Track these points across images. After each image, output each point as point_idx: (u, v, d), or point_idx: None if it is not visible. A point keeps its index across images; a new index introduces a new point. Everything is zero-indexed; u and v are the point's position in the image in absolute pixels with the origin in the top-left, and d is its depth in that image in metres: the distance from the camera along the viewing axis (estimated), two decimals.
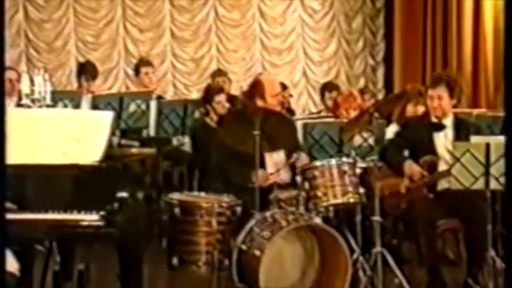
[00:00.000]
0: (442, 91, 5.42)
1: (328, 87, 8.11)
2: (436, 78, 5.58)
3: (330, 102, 7.81)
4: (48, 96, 6.05)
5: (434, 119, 5.51)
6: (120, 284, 4.25)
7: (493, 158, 4.89)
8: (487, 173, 4.90)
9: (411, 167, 5.38)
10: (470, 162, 4.91)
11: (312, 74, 10.85)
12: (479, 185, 4.92)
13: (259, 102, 5.41)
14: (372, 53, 11.00)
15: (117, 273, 4.26)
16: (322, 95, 8.13)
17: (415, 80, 8.60)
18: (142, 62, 7.99)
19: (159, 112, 6.90)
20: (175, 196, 4.95)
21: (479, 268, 5.23)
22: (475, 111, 7.12)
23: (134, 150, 6.56)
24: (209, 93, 6.89)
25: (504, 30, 2.33)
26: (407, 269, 5.35)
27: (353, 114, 6.01)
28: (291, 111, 8.59)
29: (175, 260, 4.74)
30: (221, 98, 6.78)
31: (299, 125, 5.88)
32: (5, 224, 2.09)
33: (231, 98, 7.66)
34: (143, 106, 6.78)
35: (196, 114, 7.01)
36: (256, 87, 5.53)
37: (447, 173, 5.05)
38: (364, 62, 11.01)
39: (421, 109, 6.32)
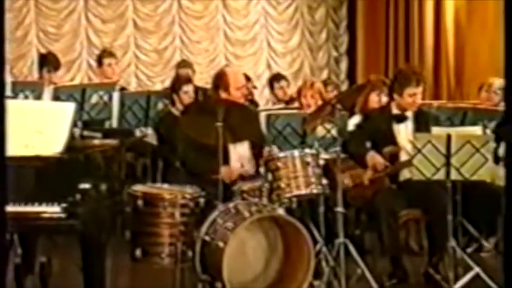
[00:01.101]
0: (421, 88, 5.49)
1: (275, 78, 8.23)
2: (418, 75, 5.60)
3: (279, 93, 7.92)
4: (9, 88, 5.98)
5: (396, 110, 5.56)
6: (83, 276, 4.22)
7: (453, 149, 4.95)
8: (447, 164, 4.96)
9: (374, 158, 5.42)
10: (432, 153, 4.97)
11: (276, 65, 10.87)
12: (440, 175, 4.98)
13: (223, 94, 5.42)
14: (335, 44, 11.04)
15: (80, 266, 4.24)
16: (271, 87, 8.20)
17: (377, 72, 8.67)
18: (105, 53, 7.93)
19: (122, 103, 6.86)
20: (138, 188, 4.93)
21: (440, 258, 5.29)
22: (436, 102, 7.19)
23: (96, 142, 6.53)
24: (177, 83, 6.87)
25: (504, 30, 2.35)
26: (369, 259, 5.40)
27: (315, 102, 6.03)
28: (255, 103, 8.60)
29: (138, 252, 4.72)
30: (189, 88, 6.76)
31: (262, 116, 5.89)
32: (5, 221, 2.06)
33: (195, 89, 7.65)
34: (106, 97, 6.74)
35: (160, 106, 6.98)
36: (220, 79, 5.54)
37: (409, 163, 5.11)
38: (328, 53, 11.05)
39: (384, 99, 6.38)
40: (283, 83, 8.15)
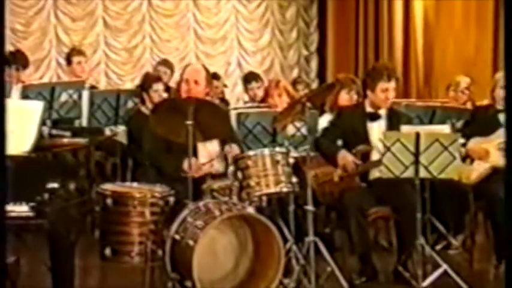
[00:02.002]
0: (394, 84, 5.51)
1: (251, 76, 8.20)
2: (390, 70, 5.62)
3: (251, 93, 7.91)
4: None
5: (369, 109, 5.58)
6: (51, 276, 4.20)
7: (422, 147, 4.99)
8: (416, 162, 5.00)
9: (345, 157, 5.44)
10: (401, 151, 5.00)
11: (246, 64, 10.87)
12: (409, 173, 5.02)
13: (183, 86, 5.42)
14: (305, 43, 11.07)
15: (48, 265, 4.21)
16: (246, 86, 8.20)
17: (348, 70, 8.70)
18: (75, 51, 7.88)
19: (92, 102, 6.83)
20: (108, 187, 4.90)
21: (409, 255, 5.33)
22: (405, 101, 7.24)
23: (65, 141, 6.49)
24: (147, 81, 6.85)
25: (504, 30, 2.36)
26: (339, 257, 5.42)
27: (285, 102, 6.04)
28: (225, 101, 8.60)
29: (107, 251, 4.69)
30: (159, 86, 6.75)
31: (232, 115, 5.89)
32: (4, 222, 2.04)
33: (166, 88, 7.64)
34: (75, 96, 6.71)
35: (130, 104, 6.96)
36: (181, 76, 5.55)
37: (380, 162, 5.13)
38: (298, 52, 11.07)
39: (354, 97, 6.40)
40: (254, 84, 8.10)
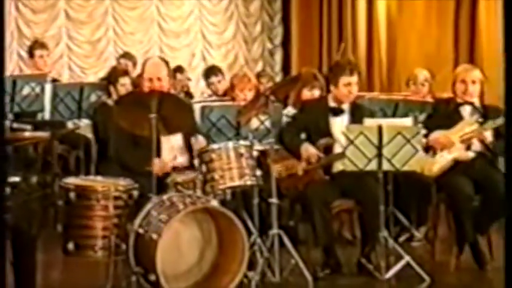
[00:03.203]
0: (357, 78, 5.54)
1: (210, 71, 8.17)
2: (352, 64, 5.65)
3: (214, 86, 7.88)
4: None
5: (333, 103, 5.61)
6: (13, 270, 4.16)
7: (385, 140, 5.02)
8: (379, 155, 5.03)
9: (308, 150, 5.46)
10: (364, 144, 5.03)
11: (210, 57, 10.85)
12: (372, 166, 5.06)
13: (142, 83, 5.40)
14: (269, 36, 11.08)
15: (10, 260, 4.17)
16: (206, 81, 8.16)
17: (312, 64, 8.74)
18: (37, 44, 7.80)
19: (55, 95, 6.78)
20: (71, 180, 4.87)
21: (372, 247, 5.38)
22: (368, 94, 7.29)
23: (27, 134, 6.43)
24: (113, 75, 6.82)
25: (504, 30, 2.37)
26: (303, 250, 5.44)
27: (249, 95, 6.04)
28: (190, 95, 8.58)
29: (70, 245, 4.67)
30: (126, 80, 6.72)
31: (197, 108, 5.88)
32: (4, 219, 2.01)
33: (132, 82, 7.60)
34: (37, 89, 6.64)
35: (93, 98, 6.91)
36: (142, 69, 5.53)
37: (343, 155, 5.16)
38: (262, 45, 11.08)
39: (316, 93, 6.43)
40: (214, 78, 8.05)
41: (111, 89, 6.66)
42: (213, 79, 8.00)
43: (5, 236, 1.99)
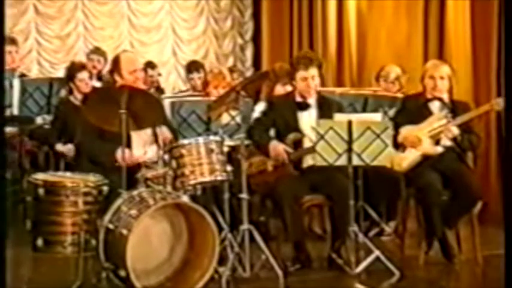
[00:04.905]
0: (314, 71, 5.55)
1: (193, 66, 8.12)
2: (307, 59, 5.66)
3: (194, 82, 7.83)
4: None
5: (299, 98, 5.63)
6: None
7: (355, 135, 5.05)
8: (349, 150, 5.06)
9: (276, 148, 5.48)
10: (334, 139, 5.06)
11: (181, 52, 10.80)
12: (342, 161, 5.08)
13: (118, 79, 5.38)
14: (240, 31, 11.06)
15: None
16: (188, 74, 8.13)
17: (282, 59, 8.71)
18: (6, 40, 7.71)
19: (23, 90, 6.73)
20: (39, 176, 4.84)
21: (342, 242, 5.41)
22: (339, 89, 7.31)
23: None
24: (71, 71, 6.78)
25: (504, 30, 2.38)
26: (274, 245, 5.46)
27: (217, 89, 6.05)
28: (160, 90, 8.54)
29: (39, 242, 4.64)
30: (83, 75, 6.67)
31: (167, 103, 5.87)
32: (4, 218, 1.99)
33: (101, 77, 7.56)
34: (6, 84, 6.57)
35: (63, 93, 6.87)
36: (114, 64, 5.50)
37: (312, 149, 5.18)
38: (233, 40, 11.05)
39: (289, 88, 6.44)
40: (195, 74, 8.00)
41: (72, 85, 6.65)
42: (194, 75, 7.93)
43: (5, 236, 1.98)
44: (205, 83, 6.63)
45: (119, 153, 4.88)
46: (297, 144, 5.52)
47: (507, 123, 2.69)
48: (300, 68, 5.53)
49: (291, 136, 5.52)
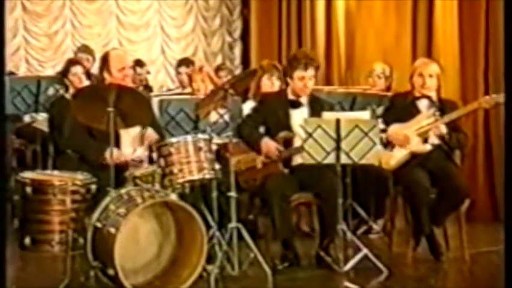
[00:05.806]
0: (313, 72, 5.56)
1: (183, 63, 8.13)
2: (308, 59, 5.64)
3: (181, 77, 7.85)
4: None
5: (292, 96, 5.63)
6: None
7: (343, 133, 5.06)
8: (337, 148, 5.07)
9: (267, 145, 5.48)
10: (322, 137, 5.06)
11: (170, 50, 10.79)
12: (331, 159, 5.09)
13: (107, 76, 5.37)
14: (229, 30, 11.06)
15: None
16: (178, 72, 8.14)
17: (271, 57, 8.72)
18: None
19: (11, 88, 6.70)
20: (27, 175, 4.83)
21: (330, 240, 5.41)
22: (326, 88, 7.32)
23: None
24: (65, 67, 6.76)
25: (504, 30, 2.38)
26: (262, 243, 5.46)
27: (206, 87, 6.05)
28: (149, 88, 8.54)
29: (27, 240, 4.63)
30: (77, 69, 6.65)
31: (155, 101, 5.86)
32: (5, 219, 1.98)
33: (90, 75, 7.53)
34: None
35: (51, 91, 6.84)
36: (103, 61, 5.49)
37: (302, 148, 5.18)
38: (222, 39, 11.05)
39: (276, 83, 6.45)
40: (183, 69, 8.01)
41: (67, 81, 6.62)
42: (182, 69, 7.95)
43: (5, 236, 1.97)
44: (190, 81, 6.63)
45: (107, 152, 4.87)
46: (288, 142, 5.53)
47: (507, 123, 2.69)
48: (299, 67, 5.52)
49: (282, 134, 5.53)
